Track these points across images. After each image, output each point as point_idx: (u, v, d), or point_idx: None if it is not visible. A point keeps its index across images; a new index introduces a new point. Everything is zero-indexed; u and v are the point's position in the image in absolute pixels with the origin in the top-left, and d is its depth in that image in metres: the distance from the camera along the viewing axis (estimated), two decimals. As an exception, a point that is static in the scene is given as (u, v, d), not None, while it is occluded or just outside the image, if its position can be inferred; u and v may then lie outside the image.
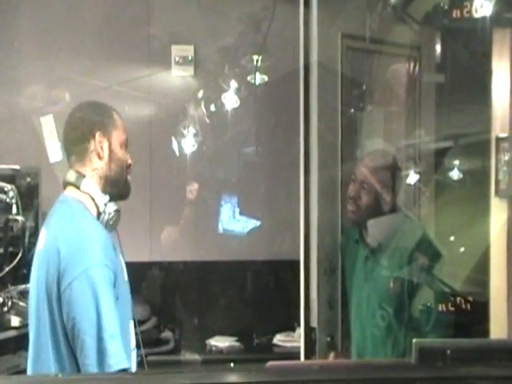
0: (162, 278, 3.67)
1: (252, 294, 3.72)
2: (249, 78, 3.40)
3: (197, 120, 3.45)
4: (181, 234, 3.65)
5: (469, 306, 2.61)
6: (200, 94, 3.53)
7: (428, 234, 2.80)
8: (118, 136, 2.08)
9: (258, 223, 3.73)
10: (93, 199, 2.02)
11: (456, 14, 2.95)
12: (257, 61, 3.35)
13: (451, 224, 2.92)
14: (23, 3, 3.43)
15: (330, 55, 2.83)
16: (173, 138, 3.48)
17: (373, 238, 2.68)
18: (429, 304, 2.58)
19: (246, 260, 3.69)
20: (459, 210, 2.90)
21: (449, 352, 1.18)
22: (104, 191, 2.04)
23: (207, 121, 3.48)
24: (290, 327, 3.53)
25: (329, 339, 2.75)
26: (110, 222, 2.03)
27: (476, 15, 2.54)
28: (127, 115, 3.49)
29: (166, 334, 3.53)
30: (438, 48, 3.14)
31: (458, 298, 2.62)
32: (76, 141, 2.06)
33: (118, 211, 2.04)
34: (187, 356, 3.47)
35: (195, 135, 3.48)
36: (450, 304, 2.59)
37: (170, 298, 3.65)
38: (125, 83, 3.51)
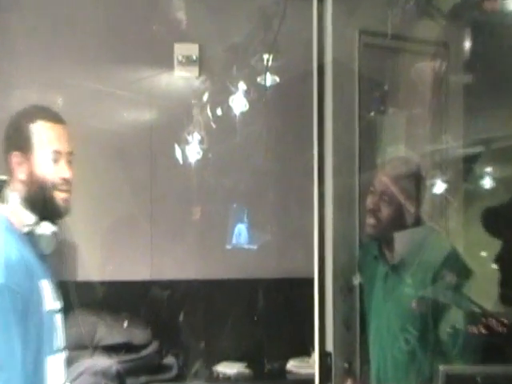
0: (165, 297, 3.67)
1: (263, 316, 3.71)
2: (259, 79, 3.41)
3: (202, 125, 3.47)
4: (184, 249, 3.66)
5: (502, 327, 2.57)
6: (205, 96, 3.54)
7: (456, 248, 2.74)
8: (39, 153, 2.07)
9: (268, 237, 3.73)
10: (20, 217, 2.04)
11: (487, 6, 2.97)
12: (267, 60, 3.36)
13: (482, 238, 2.85)
14: (22, 3, 3.47)
15: (346, 54, 2.81)
16: (176, 145, 3.49)
17: (394, 254, 2.66)
18: (457, 326, 2.54)
19: (255, 278, 3.70)
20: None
21: (479, 379, 1.14)
22: (30, 211, 2.05)
23: (213, 126, 3.49)
24: (305, 352, 3.51)
25: (346, 365, 2.71)
26: (41, 244, 2.04)
27: (509, 7, 2.50)
28: (126, 120, 3.63)
29: (169, 359, 3.53)
30: (467, 44, 3.10)
31: (490, 319, 2.57)
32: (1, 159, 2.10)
33: (49, 233, 2.05)
34: None
35: (200, 142, 3.49)
36: (480, 326, 2.54)
37: (173, 320, 3.63)
38: (124, 86, 3.54)
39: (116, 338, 3.39)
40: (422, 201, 2.71)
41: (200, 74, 3.61)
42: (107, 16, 3.54)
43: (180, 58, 3.57)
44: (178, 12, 3.51)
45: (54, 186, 2.09)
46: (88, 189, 3.55)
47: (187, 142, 3.48)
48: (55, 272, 3.35)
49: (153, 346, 3.47)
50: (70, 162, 2.16)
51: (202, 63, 3.61)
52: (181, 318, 3.62)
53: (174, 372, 3.48)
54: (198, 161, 3.53)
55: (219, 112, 3.51)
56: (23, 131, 2.09)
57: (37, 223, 2.05)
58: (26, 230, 2.04)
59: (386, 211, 2.63)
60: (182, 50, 3.57)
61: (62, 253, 3.40)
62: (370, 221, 2.66)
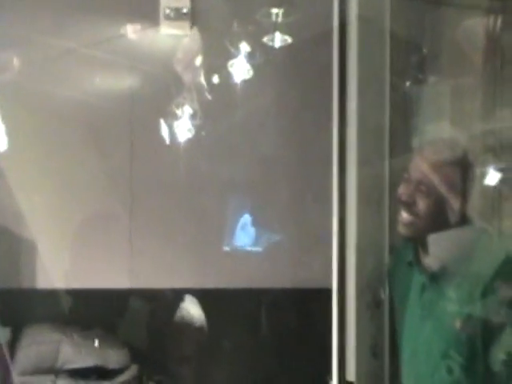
0: (147, 311, 3.64)
1: (270, 335, 3.69)
2: (265, 38, 3.38)
3: (194, 96, 3.41)
4: (172, 252, 3.63)
5: None
6: (198, 60, 3.49)
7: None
8: None
9: (277, 238, 3.72)
10: None
11: None
12: (277, 15, 3.32)
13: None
14: None
15: (374, 8, 2.80)
16: (161, 121, 3.45)
17: (433, 260, 2.60)
18: None
19: (261, 288, 3.66)
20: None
21: None
22: None
23: (208, 97, 3.45)
24: (322, 381, 3.27)
25: None
26: None
27: None
28: (101, 88, 3.59)
29: (151, 388, 3.45)
30: None
31: None
32: None
33: None
34: None
35: (192, 117, 3.45)
36: None
37: (156, 338, 3.60)
38: (98, 44, 3.48)
39: (85, 360, 3.39)
40: (469, 194, 2.65)
41: (192, 31, 3.58)
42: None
43: (167, 10, 3.54)
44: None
45: None
46: (52, 176, 3.55)
47: (176, 117, 3.44)
48: (10, 278, 3.42)
49: (130, 371, 3.45)
50: None
51: (194, 17, 3.58)
52: (166, 336, 3.59)
53: None
54: (188, 141, 3.49)
55: (216, 80, 3.49)
56: None
57: None
58: None
59: (423, 205, 2.59)
60: (169, 1, 3.55)
61: (17, 254, 3.52)
62: (403, 216, 2.62)
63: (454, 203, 2.58)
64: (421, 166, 2.62)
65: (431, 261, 2.60)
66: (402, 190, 2.62)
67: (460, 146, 2.74)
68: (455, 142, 2.81)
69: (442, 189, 2.58)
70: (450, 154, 2.64)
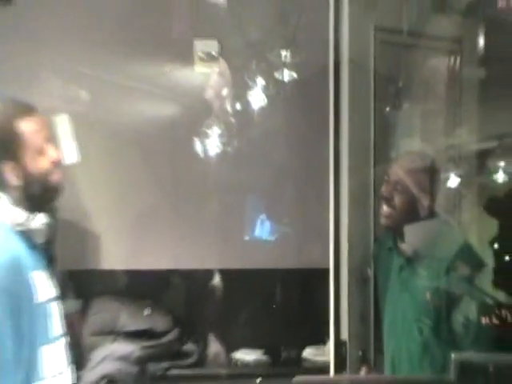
0: (186, 287, 3.67)
1: (280, 305, 3.69)
2: (276, 74, 3.36)
3: (221, 119, 3.43)
4: (205, 240, 3.64)
5: (515, 318, 2.53)
6: (224, 91, 3.49)
7: (469, 241, 2.71)
8: (25, 153, 2.07)
9: (286, 229, 3.70)
10: (12, 216, 2.06)
11: (502, 3, 2.90)
12: (285, 56, 3.33)
13: (495, 230, 2.81)
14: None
15: (362, 51, 2.80)
16: (197, 139, 3.46)
17: (408, 246, 2.61)
18: (470, 317, 2.49)
19: (273, 268, 3.66)
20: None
21: (491, 368, 1.10)
22: (25, 206, 2.08)
23: (232, 120, 3.46)
24: (321, 340, 3.48)
25: (360, 353, 2.70)
26: (34, 237, 2.06)
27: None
28: (148, 115, 3.62)
29: (189, 346, 3.51)
30: (482, 41, 3.07)
31: (504, 311, 2.54)
32: None
33: (41, 225, 2.08)
34: (211, 370, 3.46)
35: (220, 136, 3.46)
36: (493, 316, 2.51)
37: (193, 308, 3.63)
38: (145, 81, 3.52)
39: (138, 324, 3.40)
40: (435, 194, 2.66)
41: (220, 70, 3.54)
42: (130, 12, 3.52)
43: (200, 53, 3.53)
44: (197, 9, 3.48)
45: (47, 173, 2.11)
46: (113, 181, 3.59)
47: (206, 136, 3.45)
48: (80, 261, 3.48)
49: (173, 333, 3.46)
50: (53, 144, 2.14)
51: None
52: (201, 306, 3.61)
53: (194, 358, 3.46)
54: (216, 154, 3.50)
55: (238, 106, 3.49)
56: (5, 141, 2.07)
57: (29, 219, 2.06)
58: (18, 228, 2.05)
59: (399, 201, 2.59)
60: (202, 46, 3.53)
61: (85, 243, 3.55)
62: (384, 210, 2.63)
63: (424, 201, 2.58)
64: (398, 171, 2.63)
65: (406, 247, 2.61)
66: (383, 189, 2.64)
67: (428, 157, 2.74)
68: (424, 154, 2.82)
69: (414, 189, 2.58)
70: (421, 163, 2.66)
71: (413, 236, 2.61)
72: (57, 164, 2.13)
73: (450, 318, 2.49)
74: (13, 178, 2.06)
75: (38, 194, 2.09)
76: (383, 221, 2.66)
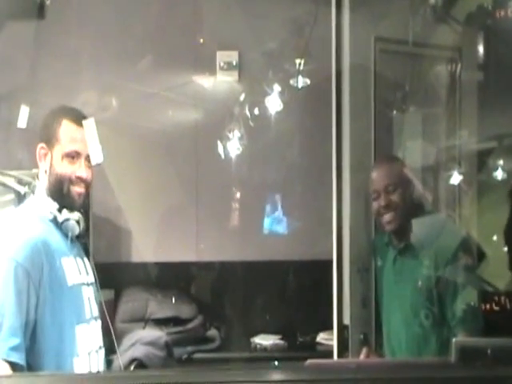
0: (208, 277, 3.73)
1: (296, 293, 3.72)
2: (291, 81, 3.37)
3: (241, 123, 3.48)
4: (225, 234, 3.70)
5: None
6: (244, 98, 3.56)
7: (469, 233, 2.77)
8: (60, 149, 2.10)
9: (298, 224, 3.73)
10: (44, 204, 2.10)
11: (500, 14, 2.94)
12: (299, 64, 3.32)
13: (494, 224, 2.88)
14: (72, 9, 3.49)
15: (362, 59, 2.82)
16: (218, 142, 3.51)
17: (399, 240, 2.64)
18: (472, 303, 2.53)
19: (289, 260, 3.71)
20: (503, 211, 2.86)
21: (490, 351, 1.15)
22: (52, 199, 2.11)
23: (251, 124, 3.50)
24: (326, 324, 3.38)
25: (361, 337, 2.74)
26: (65, 228, 2.09)
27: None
28: (174, 120, 3.67)
29: (212, 332, 3.56)
30: (480, 49, 3.08)
31: (503, 298, 2.60)
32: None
33: (70, 219, 2.09)
34: (232, 354, 3.48)
35: (240, 138, 3.51)
36: (493, 303, 2.59)
37: (215, 296, 3.71)
38: (171, 89, 3.56)
39: (165, 312, 3.43)
40: (426, 190, 2.74)
41: (240, 78, 3.65)
42: (156, 26, 3.57)
43: (222, 63, 3.61)
44: (219, 23, 3.55)
45: (71, 182, 2.10)
46: (141, 182, 3.63)
47: (228, 139, 3.51)
48: (113, 254, 3.53)
49: (198, 320, 3.51)
50: (89, 163, 2.12)
51: (241, 68, 3.65)
52: (222, 295, 3.67)
53: (217, 343, 3.51)
54: (237, 155, 3.55)
55: (256, 112, 3.52)
56: (50, 127, 2.12)
57: (59, 210, 2.09)
58: (51, 216, 2.09)
59: (395, 197, 2.57)
60: (223, 56, 3.61)
61: (117, 238, 3.59)
62: (385, 218, 2.59)
63: (416, 193, 2.60)
64: (379, 176, 2.62)
65: (398, 241, 2.63)
66: (377, 203, 2.59)
67: (393, 156, 2.81)
68: (390, 155, 2.86)
69: (403, 183, 2.59)
70: (390, 161, 2.72)
71: (403, 232, 2.60)
72: (82, 181, 2.11)
73: (453, 304, 2.49)
74: (43, 162, 2.10)
75: (58, 195, 2.09)
76: (388, 228, 2.62)
